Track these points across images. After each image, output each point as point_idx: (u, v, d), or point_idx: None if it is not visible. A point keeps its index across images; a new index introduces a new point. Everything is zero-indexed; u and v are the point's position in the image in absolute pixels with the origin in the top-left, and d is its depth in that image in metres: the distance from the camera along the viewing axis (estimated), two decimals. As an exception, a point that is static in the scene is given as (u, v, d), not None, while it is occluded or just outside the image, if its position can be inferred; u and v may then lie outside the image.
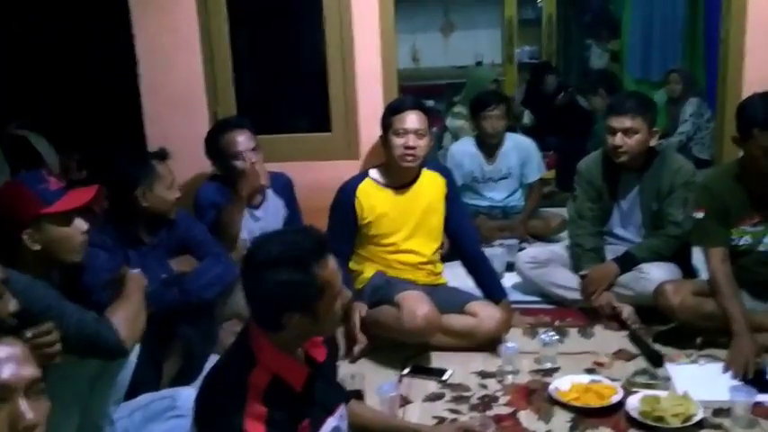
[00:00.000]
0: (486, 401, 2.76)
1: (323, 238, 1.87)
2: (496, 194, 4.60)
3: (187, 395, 2.52)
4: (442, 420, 2.63)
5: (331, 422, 1.93)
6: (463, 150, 4.57)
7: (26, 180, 2.23)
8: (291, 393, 1.81)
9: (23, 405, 1.24)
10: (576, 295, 3.57)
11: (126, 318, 2.18)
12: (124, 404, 2.48)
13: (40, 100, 4.20)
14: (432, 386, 2.91)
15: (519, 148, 4.58)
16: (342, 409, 2.01)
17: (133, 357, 2.44)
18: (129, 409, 2.48)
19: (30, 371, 1.27)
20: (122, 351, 2.15)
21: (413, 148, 3.15)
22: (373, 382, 2.86)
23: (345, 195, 3.29)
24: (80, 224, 2.22)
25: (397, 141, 3.17)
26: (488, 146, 4.52)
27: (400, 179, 3.29)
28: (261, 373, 1.78)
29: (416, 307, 3.06)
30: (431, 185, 3.35)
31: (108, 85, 4.19)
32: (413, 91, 5.71)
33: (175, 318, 2.75)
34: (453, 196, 3.43)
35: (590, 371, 2.94)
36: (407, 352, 3.14)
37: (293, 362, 1.85)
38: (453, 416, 2.67)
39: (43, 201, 2.14)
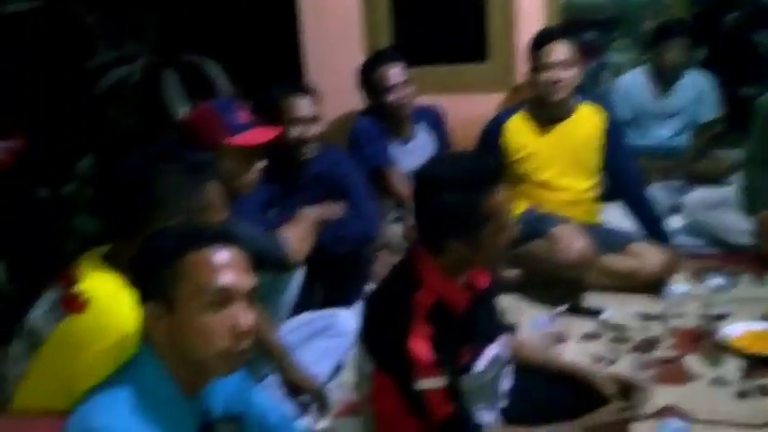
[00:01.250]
0: (648, 344, 2.65)
1: (498, 166, 1.82)
2: (664, 132, 4.30)
3: (346, 316, 2.61)
4: (600, 360, 2.55)
5: (493, 349, 1.90)
6: (632, 82, 4.25)
7: (218, 107, 2.23)
8: (454, 317, 1.80)
9: (243, 311, 1.30)
10: (749, 239, 3.33)
11: (294, 236, 2.26)
12: (288, 320, 2.59)
13: (208, 31, 4.32)
14: (588, 325, 2.83)
15: (695, 84, 4.20)
16: (504, 338, 1.98)
17: (297, 280, 2.53)
18: (292, 325, 2.59)
19: (249, 278, 1.33)
20: (289, 265, 2.21)
21: (558, 81, 3.01)
22: (527, 319, 2.82)
23: (491, 131, 3.21)
24: (257, 161, 2.18)
25: (543, 76, 3.03)
26: (664, 79, 4.17)
27: (552, 113, 3.15)
28: (426, 295, 1.77)
29: (571, 239, 2.96)
30: (588, 119, 3.20)
31: (266, 17, 4.25)
32: (573, 23, 5.43)
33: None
34: (614, 131, 3.25)
35: (765, 318, 2.75)
36: (563, 290, 3.06)
37: (456, 287, 1.83)
38: (612, 356, 2.58)
39: (230, 131, 2.14)
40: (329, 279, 2.85)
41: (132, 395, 1.27)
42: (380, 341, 1.82)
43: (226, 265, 1.31)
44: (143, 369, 1.33)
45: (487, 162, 1.79)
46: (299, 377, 2.20)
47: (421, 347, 1.72)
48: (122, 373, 1.34)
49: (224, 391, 1.48)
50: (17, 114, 3.04)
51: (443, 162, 1.80)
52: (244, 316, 1.31)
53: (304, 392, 2.17)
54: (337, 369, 2.58)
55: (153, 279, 1.32)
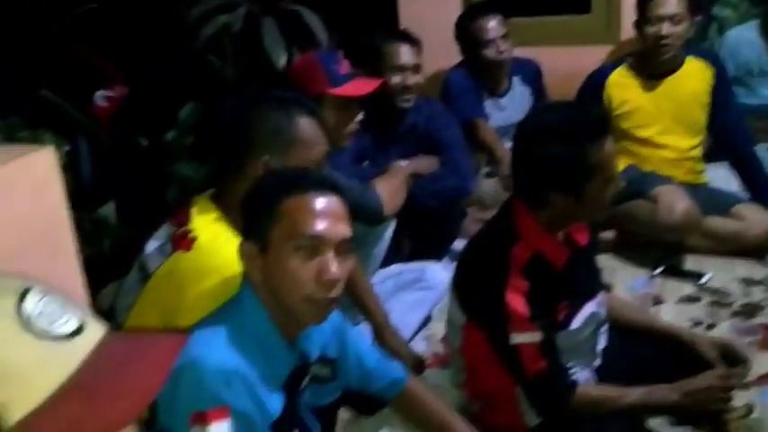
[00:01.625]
0: (750, 309, 2.54)
1: (604, 117, 1.75)
2: (774, 91, 4.06)
3: (436, 269, 2.61)
4: (698, 324, 2.47)
5: (589, 307, 1.86)
6: (742, 37, 4.01)
7: (321, 57, 2.24)
8: (552, 273, 1.76)
9: (332, 259, 1.30)
10: None
11: (388, 189, 2.26)
12: (378, 272, 2.61)
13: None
14: (687, 288, 2.73)
15: (808, 42, 3.96)
16: (601, 296, 1.93)
17: (389, 232, 2.54)
18: (381, 276, 2.61)
19: (343, 229, 1.33)
20: (382, 216, 2.22)
21: (666, 36, 2.86)
22: (623, 280, 2.75)
23: (593, 85, 3.10)
24: (356, 112, 2.17)
25: (650, 30, 2.90)
26: (779, 35, 3.94)
27: (658, 68, 3.02)
28: (523, 248, 1.74)
29: (675, 201, 2.85)
30: (695, 75, 3.05)
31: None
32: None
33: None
34: (722, 87, 3.10)
35: None
36: (660, 252, 2.96)
37: (555, 241, 1.79)
38: (711, 320, 2.49)
39: (332, 81, 2.15)
40: (419, 233, 2.85)
41: (231, 331, 1.30)
42: (474, 294, 1.81)
43: (322, 212, 1.32)
44: (244, 308, 1.36)
45: (596, 112, 1.73)
46: (393, 343, 2.20)
47: (516, 301, 1.70)
48: (224, 311, 1.38)
49: (321, 335, 1.49)
50: (120, 63, 3.13)
51: (549, 111, 1.75)
52: (332, 265, 1.30)
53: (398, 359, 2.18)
54: (426, 321, 2.59)
55: (255, 218, 1.35)
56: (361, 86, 2.17)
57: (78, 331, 0.70)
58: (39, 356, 0.66)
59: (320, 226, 1.30)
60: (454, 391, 2.00)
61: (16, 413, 0.65)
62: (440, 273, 2.58)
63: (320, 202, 1.32)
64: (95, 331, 0.72)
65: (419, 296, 2.54)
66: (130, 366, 0.70)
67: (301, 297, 1.30)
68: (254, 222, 1.35)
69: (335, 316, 1.56)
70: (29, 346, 0.66)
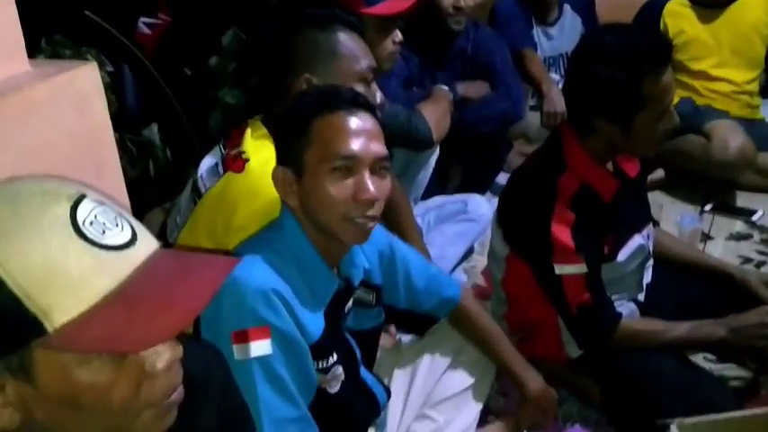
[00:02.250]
0: (803, 247, 2.48)
1: (667, 46, 1.67)
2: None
3: (479, 201, 2.58)
4: (748, 261, 2.41)
5: (637, 240, 1.82)
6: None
7: None
8: (599, 204, 1.72)
9: (368, 178, 1.27)
10: None
11: (434, 114, 2.22)
12: (419, 204, 2.59)
13: None
14: (738, 225, 2.67)
15: None
16: (649, 229, 1.89)
17: (433, 159, 2.51)
18: (424, 208, 2.59)
19: (378, 147, 1.29)
20: (430, 141, 2.19)
21: None
22: (671, 216, 2.68)
23: (649, 14, 2.98)
24: (395, 33, 2.10)
25: None
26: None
27: (718, -2, 2.88)
28: (570, 179, 1.70)
29: (730, 137, 2.75)
30: (756, 5, 2.91)
31: None
32: None
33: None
34: (785, 18, 2.95)
35: None
36: (710, 189, 2.88)
37: (603, 172, 1.74)
38: (762, 257, 2.43)
39: (366, 1, 2.10)
40: (465, 163, 2.81)
41: (273, 255, 1.29)
42: (519, 224, 1.78)
43: (356, 131, 1.28)
44: (284, 232, 1.35)
45: (659, 40, 1.64)
46: None
47: (562, 233, 1.67)
48: (265, 234, 1.37)
49: (365, 260, 1.48)
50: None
51: (611, 32, 1.67)
52: (369, 184, 1.27)
53: None
54: (467, 254, 2.57)
55: (289, 141, 1.32)
56: (395, 5, 2.11)
57: (130, 243, 0.70)
58: (87, 264, 0.66)
59: (354, 145, 1.27)
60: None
61: (60, 317, 0.65)
62: (483, 205, 2.55)
63: (353, 121, 1.28)
64: (147, 245, 0.72)
65: (461, 228, 2.51)
66: (177, 283, 0.69)
67: (339, 218, 1.28)
68: (288, 146, 1.32)
69: (382, 237, 1.54)
70: (78, 253, 0.66)
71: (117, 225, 0.70)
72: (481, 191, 2.76)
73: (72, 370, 0.67)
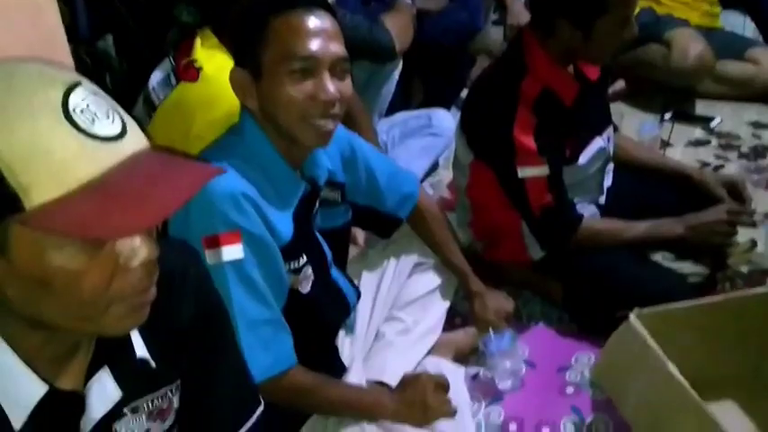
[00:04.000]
0: (759, 151, 2.54)
1: None
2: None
3: (443, 116, 2.57)
4: (706, 165, 2.47)
5: (598, 142, 1.85)
6: None
7: None
8: (561, 107, 1.74)
9: (327, 79, 1.25)
10: None
11: (396, 25, 2.20)
12: (383, 120, 2.59)
13: None
14: (697, 132, 2.71)
15: None
16: (609, 132, 1.92)
17: (396, 73, 2.49)
18: (388, 124, 2.58)
19: (337, 47, 1.27)
20: (392, 53, 2.17)
21: None
22: (631, 124, 2.72)
23: None
24: None
25: None
26: None
27: None
28: (532, 83, 1.70)
29: (689, 45, 2.77)
30: None
31: None
32: None
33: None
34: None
35: None
36: (670, 97, 2.91)
37: (565, 75, 1.75)
38: (719, 162, 2.49)
39: None
40: (427, 78, 2.79)
41: (236, 160, 1.28)
42: (482, 129, 1.79)
43: (314, 31, 1.25)
44: (246, 137, 1.33)
45: None
46: None
47: (524, 135, 1.69)
48: (226, 141, 1.36)
49: (328, 159, 1.48)
50: None
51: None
52: (328, 85, 1.25)
53: None
54: (433, 168, 2.59)
55: (245, 42, 1.29)
56: None
57: (118, 137, 0.70)
58: (72, 149, 0.66)
59: (313, 45, 1.24)
60: (460, 231, 2.02)
61: (39, 197, 0.65)
62: (447, 119, 2.55)
63: (311, 20, 1.25)
64: (135, 142, 0.71)
65: (426, 142, 2.51)
66: (158, 180, 0.69)
67: (299, 119, 1.26)
68: (244, 47, 1.29)
69: (343, 136, 1.54)
70: (64, 137, 0.66)
71: (108, 117, 0.70)
72: (445, 107, 2.75)
73: (45, 251, 0.68)
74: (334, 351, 1.60)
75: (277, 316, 1.34)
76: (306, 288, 1.43)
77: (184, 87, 1.50)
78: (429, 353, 1.67)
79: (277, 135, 1.31)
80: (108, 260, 0.71)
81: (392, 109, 2.63)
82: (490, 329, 1.71)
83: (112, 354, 0.85)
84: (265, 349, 1.30)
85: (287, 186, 1.36)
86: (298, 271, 1.41)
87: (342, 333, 1.64)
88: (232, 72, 1.31)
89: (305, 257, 1.42)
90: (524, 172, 1.71)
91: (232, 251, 1.25)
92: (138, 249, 0.72)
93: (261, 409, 1.04)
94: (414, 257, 1.75)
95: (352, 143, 1.58)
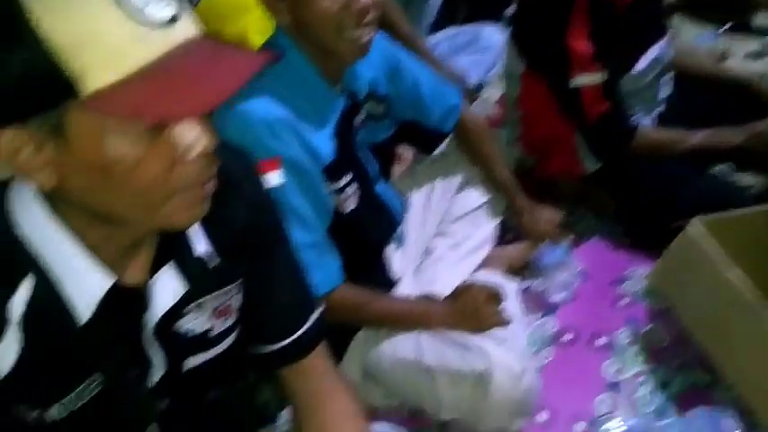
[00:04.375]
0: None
1: None
2: None
3: (491, 30, 2.50)
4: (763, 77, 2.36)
5: (654, 51, 1.77)
6: None
7: None
8: (615, 12, 1.66)
9: None
10: None
11: None
12: (430, 36, 2.52)
13: None
14: (755, 44, 2.59)
15: None
16: (665, 41, 1.82)
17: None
18: (433, 41, 2.51)
19: None
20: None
21: None
22: (688, 37, 2.61)
23: None
24: None
25: None
26: None
27: None
28: (586, -15, 1.63)
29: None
30: None
31: None
32: None
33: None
34: None
35: None
36: (727, 9, 2.77)
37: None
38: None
39: None
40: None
41: (272, 80, 1.22)
42: (535, 36, 1.73)
43: None
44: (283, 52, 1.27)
45: None
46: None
47: (578, 41, 1.63)
48: None
49: (369, 71, 1.43)
50: None
51: None
52: None
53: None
54: (480, 85, 2.52)
55: None
56: None
57: (171, 22, 0.68)
58: (126, 33, 0.65)
59: None
60: (509, 147, 1.98)
61: (95, 81, 0.64)
62: (495, 35, 2.47)
63: None
64: (188, 28, 0.70)
65: (474, 58, 2.44)
66: (213, 64, 0.68)
67: (334, 32, 1.22)
68: None
69: (387, 47, 1.49)
70: (117, 22, 0.65)
71: (161, 1, 0.68)
72: (491, 21, 2.67)
73: (103, 137, 0.67)
74: (383, 266, 1.59)
75: (322, 239, 1.32)
76: (350, 207, 1.42)
77: None
78: (480, 267, 1.66)
79: (313, 48, 1.27)
80: (167, 149, 0.70)
81: (436, 26, 2.56)
82: (542, 242, 1.69)
83: (176, 249, 0.85)
84: (310, 272, 1.30)
85: (325, 104, 1.33)
86: (341, 190, 1.39)
87: (392, 247, 1.63)
88: None
89: (349, 176, 1.40)
90: (579, 80, 1.66)
91: (272, 178, 1.24)
92: (197, 139, 0.71)
93: (318, 312, 1.05)
94: (463, 173, 1.72)
95: (397, 54, 1.54)
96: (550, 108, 1.78)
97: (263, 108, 1.22)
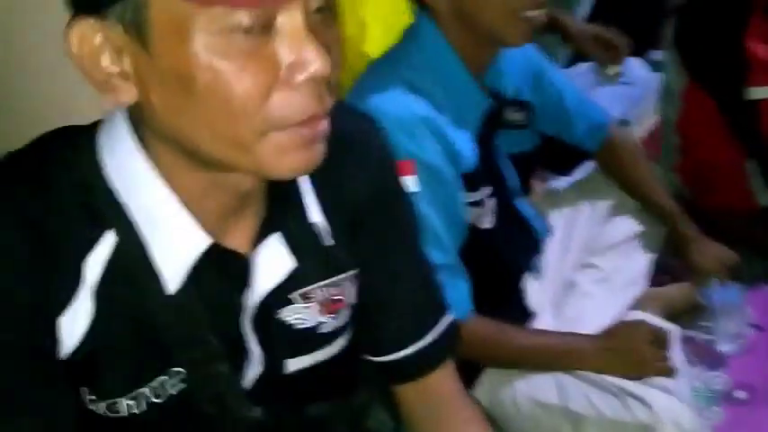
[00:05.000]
0: None
1: None
2: None
3: (636, 63, 2.30)
4: None
5: None
6: None
7: None
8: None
9: None
10: None
11: None
12: (566, 70, 2.35)
13: None
14: None
15: None
16: None
17: None
18: (572, 74, 2.34)
19: None
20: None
21: None
22: None
23: None
24: None
25: None
26: None
27: None
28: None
29: None
30: None
31: None
32: None
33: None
34: None
35: None
36: None
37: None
38: None
39: None
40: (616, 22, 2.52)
41: (411, 72, 1.13)
42: (704, 41, 1.53)
43: None
44: (422, 43, 1.17)
45: None
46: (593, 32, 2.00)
47: (759, 46, 1.42)
48: (397, 50, 1.20)
49: (513, 72, 1.31)
50: None
51: None
52: None
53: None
54: (626, 120, 2.31)
55: None
56: None
57: None
58: None
59: None
60: (664, 177, 1.75)
61: None
62: (641, 68, 2.28)
63: None
64: None
65: (618, 90, 2.25)
66: None
67: (509, 12, 1.10)
68: None
69: (530, 50, 1.37)
70: None
71: None
72: (637, 55, 2.47)
73: (190, 38, 0.53)
74: (519, 296, 1.39)
75: (452, 259, 1.16)
76: (486, 223, 1.25)
77: None
78: (633, 307, 1.43)
79: (463, 36, 1.15)
80: (266, 64, 0.55)
81: (575, 61, 2.39)
82: (711, 281, 1.43)
83: (286, 218, 0.69)
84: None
85: (468, 101, 1.20)
86: (479, 203, 1.23)
87: (528, 276, 1.42)
88: None
89: (488, 187, 1.24)
90: (758, 92, 1.44)
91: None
92: (306, 59, 0.55)
93: (449, 321, 0.85)
94: (612, 199, 1.52)
95: (541, 62, 1.41)
96: (716, 129, 1.57)
97: (399, 103, 1.10)
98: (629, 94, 2.29)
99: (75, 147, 0.63)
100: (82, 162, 0.62)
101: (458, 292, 1.15)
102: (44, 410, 0.62)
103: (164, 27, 0.54)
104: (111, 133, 0.63)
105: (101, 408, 0.66)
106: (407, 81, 1.12)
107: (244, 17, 0.53)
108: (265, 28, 0.54)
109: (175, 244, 0.63)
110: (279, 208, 0.69)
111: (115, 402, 0.66)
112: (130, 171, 0.62)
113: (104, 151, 0.63)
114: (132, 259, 0.63)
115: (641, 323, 1.25)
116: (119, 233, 0.62)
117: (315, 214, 0.71)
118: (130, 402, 0.66)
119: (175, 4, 0.52)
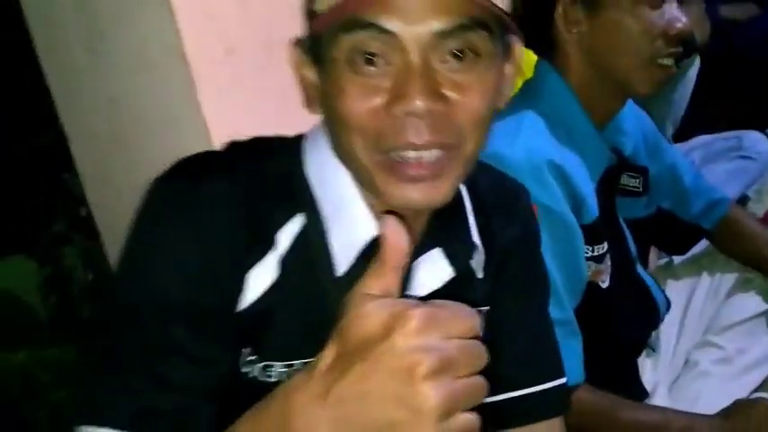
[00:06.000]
0: None
1: None
2: None
3: (756, 137, 2.21)
4: None
5: None
6: None
7: None
8: None
9: (677, 10, 1.09)
10: None
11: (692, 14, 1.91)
12: (682, 144, 2.27)
13: None
14: None
15: None
16: None
17: (693, 72, 2.19)
18: (685, 147, 2.25)
19: None
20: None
21: None
22: None
23: None
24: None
25: None
26: None
27: None
28: None
29: None
30: None
31: None
32: None
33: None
34: None
35: None
36: None
37: None
38: None
39: None
40: (735, 95, 2.43)
41: (537, 118, 1.11)
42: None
43: None
44: (547, 91, 1.15)
45: None
46: None
47: None
48: (522, 96, 1.17)
49: (630, 133, 1.25)
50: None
51: None
52: (680, 16, 1.08)
53: None
54: (744, 197, 2.19)
55: None
56: None
57: None
58: None
59: None
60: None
61: None
62: (761, 142, 2.17)
63: None
64: None
65: (735, 166, 2.14)
66: None
67: (647, 60, 1.09)
68: None
69: (644, 118, 1.33)
70: None
71: None
72: (757, 128, 2.36)
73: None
74: (635, 370, 1.30)
75: (568, 315, 1.09)
76: (606, 282, 1.18)
77: None
78: (758, 389, 1.31)
79: (590, 84, 1.13)
80: (370, 86, 0.64)
81: (690, 133, 2.31)
82: None
83: (449, 235, 0.77)
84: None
85: (592, 152, 1.16)
86: (599, 258, 1.16)
87: (644, 352, 1.34)
88: (561, 11, 1.12)
89: (606, 244, 1.18)
90: None
91: None
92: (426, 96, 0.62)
93: (562, 380, 0.82)
94: (735, 274, 1.42)
95: (657, 132, 1.36)
96: None
97: (528, 147, 1.06)
98: (748, 169, 2.18)
99: (285, 147, 0.76)
100: (289, 159, 0.74)
101: (571, 354, 1.07)
102: (208, 363, 0.66)
103: None
104: (312, 141, 0.75)
105: (255, 369, 0.71)
106: (534, 126, 1.10)
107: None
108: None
109: (351, 231, 0.71)
110: (443, 226, 0.76)
111: (271, 365, 0.71)
112: (324, 167, 0.73)
113: (306, 153, 0.75)
114: (314, 239, 0.72)
115: (763, 401, 1.14)
116: (307, 216, 0.72)
117: (476, 236, 0.79)
118: (282, 370, 0.71)
119: None
